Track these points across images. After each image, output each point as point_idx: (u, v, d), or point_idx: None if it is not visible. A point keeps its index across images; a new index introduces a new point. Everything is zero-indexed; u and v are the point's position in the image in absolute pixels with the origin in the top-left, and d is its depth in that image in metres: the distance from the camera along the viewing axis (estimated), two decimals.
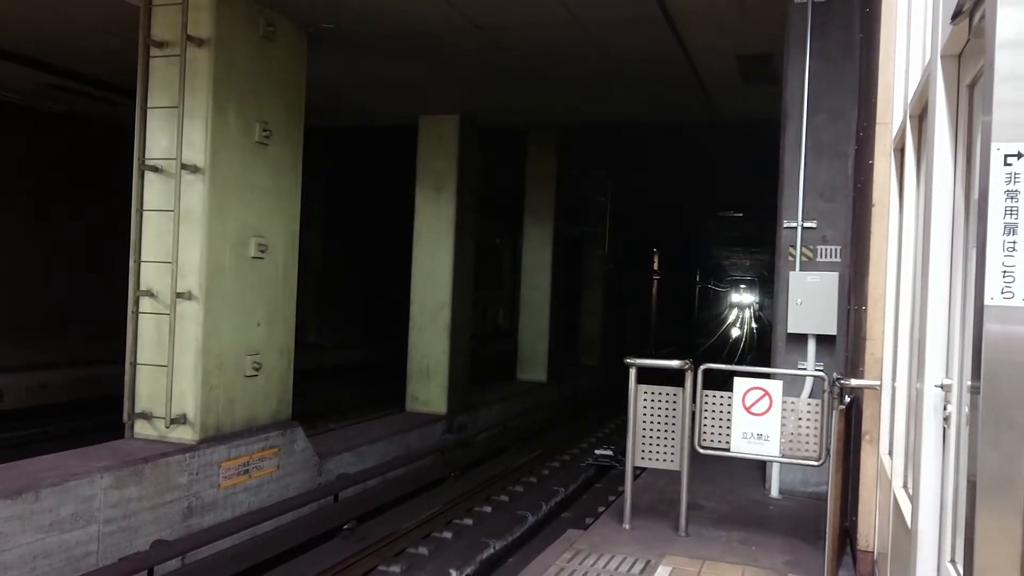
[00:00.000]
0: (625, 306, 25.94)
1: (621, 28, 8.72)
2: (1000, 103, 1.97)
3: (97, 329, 12.98)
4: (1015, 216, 1.96)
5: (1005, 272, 1.96)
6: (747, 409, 5.67)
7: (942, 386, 3.06)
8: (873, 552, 5.02)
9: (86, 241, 14.01)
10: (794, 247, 6.96)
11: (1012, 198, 1.96)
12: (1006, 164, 1.96)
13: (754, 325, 63.00)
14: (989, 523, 2.00)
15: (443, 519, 9.01)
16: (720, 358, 31.93)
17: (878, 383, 4.91)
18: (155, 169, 7.63)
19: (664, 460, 5.95)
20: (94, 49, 9.94)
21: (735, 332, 61.48)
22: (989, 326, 1.98)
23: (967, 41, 2.79)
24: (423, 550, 7.94)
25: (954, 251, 3.05)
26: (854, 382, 5.12)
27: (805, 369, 6.80)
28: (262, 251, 8.27)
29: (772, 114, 7.99)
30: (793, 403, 5.69)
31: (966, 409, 2.66)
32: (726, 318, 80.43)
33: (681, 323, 45.36)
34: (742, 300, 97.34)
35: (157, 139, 7.66)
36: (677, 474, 5.93)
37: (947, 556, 2.96)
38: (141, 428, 7.64)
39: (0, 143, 12.77)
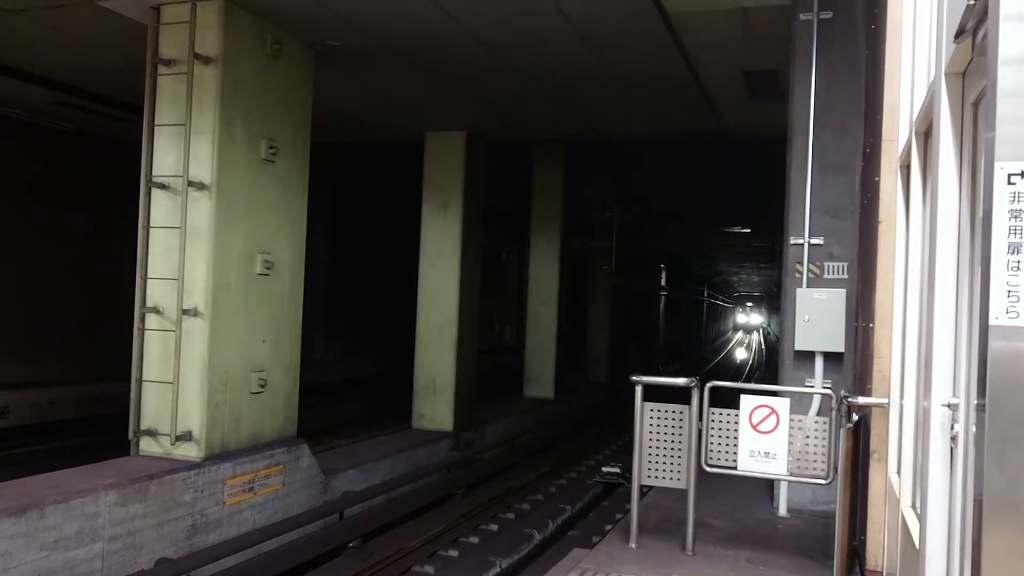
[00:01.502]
0: (632, 322, 25.90)
1: (627, 45, 8.75)
2: (1003, 120, 1.96)
3: (104, 346, 13.02)
4: (1019, 236, 1.94)
5: (1010, 292, 1.94)
6: (754, 427, 5.63)
7: (949, 405, 3.03)
8: (882, 572, 4.97)
9: (94, 258, 14.07)
10: (801, 263, 6.93)
11: (1016, 217, 1.95)
12: (1009, 183, 1.95)
13: (763, 346, 60.53)
14: (996, 543, 1.98)
15: (449, 537, 8.97)
16: (727, 376, 31.85)
17: (886, 401, 4.88)
18: (162, 186, 7.67)
19: (671, 478, 5.91)
20: (102, 67, 10.02)
21: (741, 355, 56.72)
22: (994, 345, 1.96)
23: (971, 59, 2.78)
24: (429, 568, 7.90)
25: (960, 269, 3.04)
26: (862, 400, 5.09)
27: (812, 387, 6.75)
28: (268, 268, 8.28)
29: (779, 130, 7.99)
30: (800, 421, 5.65)
31: (973, 428, 2.64)
32: (729, 340, 73.74)
33: (689, 339, 45.24)
34: (749, 322, 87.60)
35: (164, 156, 7.71)
36: (684, 492, 5.88)
37: None
38: (147, 445, 7.64)
39: (9, 160, 12.86)
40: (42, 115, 12.63)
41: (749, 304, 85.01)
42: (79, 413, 12.87)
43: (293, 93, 8.66)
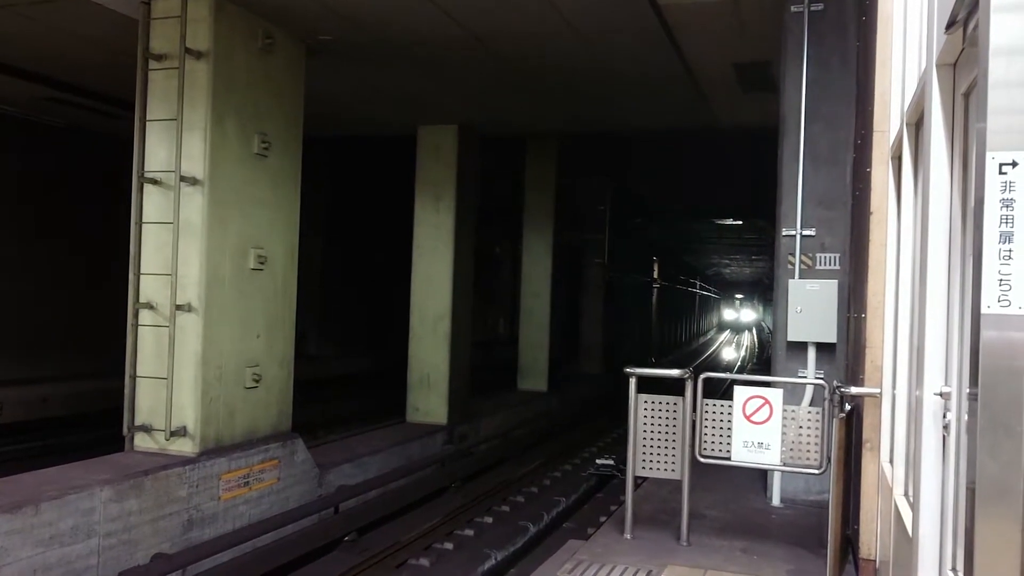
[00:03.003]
0: (625, 314, 25.94)
1: (618, 37, 8.75)
2: (994, 111, 1.98)
3: (98, 342, 12.99)
4: (1010, 224, 1.96)
5: (1001, 280, 1.96)
6: (747, 418, 5.66)
7: (941, 394, 3.06)
8: (875, 560, 5.01)
9: (86, 254, 14.02)
10: (793, 255, 6.96)
11: (1007, 206, 1.97)
12: (1001, 173, 1.97)
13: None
14: (989, 530, 2.00)
15: (444, 530, 8.99)
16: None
17: (878, 391, 4.91)
18: (154, 181, 7.64)
19: (665, 469, 5.94)
20: (93, 62, 9.97)
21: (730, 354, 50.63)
22: (986, 334, 1.98)
23: (962, 50, 2.80)
24: (424, 561, 7.92)
25: (952, 259, 3.06)
26: (854, 390, 5.12)
27: (805, 377, 6.79)
28: (261, 262, 8.27)
29: (771, 122, 8.00)
30: (793, 411, 5.69)
31: (965, 417, 2.66)
32: (713, 340, 62.02)
33: (681, 332, 45.25)
34: (739, 319, 74.62)
35: (156, 151, 7.68)
36: (678, 483, 5.92)
37: (948, 564, 2.95)
38: (141, 441, 7.63)
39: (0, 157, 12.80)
40: (32, 111, 12.57)
41: (739, 296, 74.00)
42: (73, 410, 12.83)
43: (285, 87, 8.64)
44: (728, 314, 76.28)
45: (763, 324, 60.38)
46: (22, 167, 13.17)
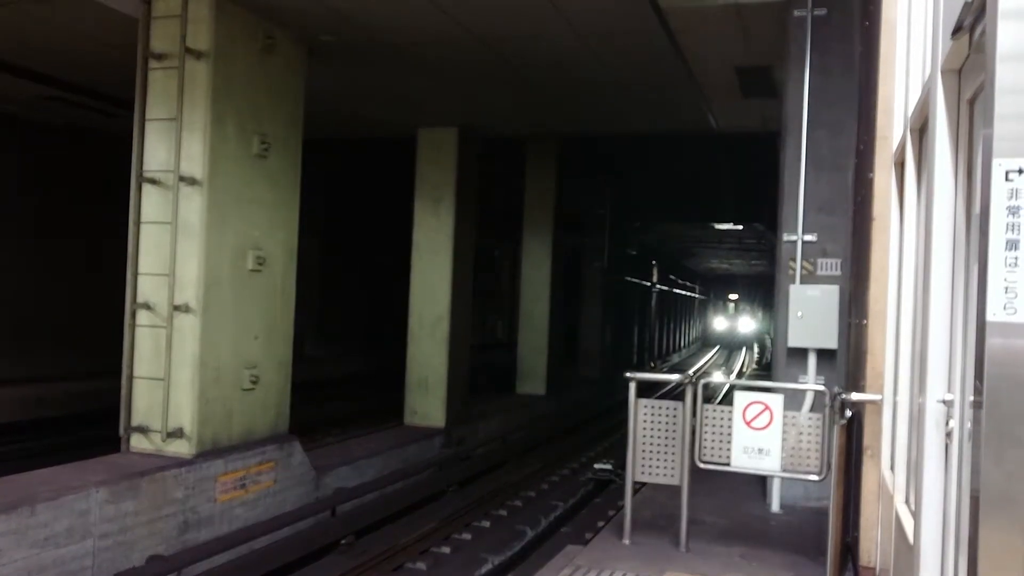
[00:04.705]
0: (625, 318, 25.91)
1: (620, 40, 8.74)
2: (1001, 117, 1.96)
3: (95, 342, 12.95)
4: (1016, 232, 1.94)
5: (1007, 288, 1.94)
6: (748, 423, 5.64)
7: (944, 401, 3.03)
8: (875, 568, 4.98)
9: (84, 254, 13.99)
10: (794, 260, 6.94)
11: (1013, 214, 1.95)
12: (1007, 180, 1.95)
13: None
14: (992, 539, 1.98)
15: (441, 534, 8.96)
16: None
17: (879, 397, 4.89)
18: (153, 181, 7.62)
19: (664, 475, 5.91)
20: (93, 61, 9.95)
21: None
22: (991, 342, 1.96)
23: (967, 56, 2.78)
24: (421, 565, 7.89)
25: (955, 265, 3.04)
26: (855, 396, 5.10)
27: (806, 383, 6.77)
28: (260, 264, 8.25)
29: (772, 126, 7.99)
30: (794, 417, 5.66)
31: (968, 424, 2.64)
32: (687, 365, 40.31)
33: (682, 337, 45.11)
34: (735, 328, 58.54)
35: (155, 151, 7.66)
36: (677, 489, 5.89)
37: (950, 572, 2.93)
38: (137, 442, 7.60)
39: None
40: (31, 109, 12.55)
41: (734, 297, 59.31)
42: (68, 410, 12.79)
43: (285, 88, 8.62)
44: (719, 323, 60.17)
45: (767, 338, 44.45)
46: (21, 165, 13.14)
